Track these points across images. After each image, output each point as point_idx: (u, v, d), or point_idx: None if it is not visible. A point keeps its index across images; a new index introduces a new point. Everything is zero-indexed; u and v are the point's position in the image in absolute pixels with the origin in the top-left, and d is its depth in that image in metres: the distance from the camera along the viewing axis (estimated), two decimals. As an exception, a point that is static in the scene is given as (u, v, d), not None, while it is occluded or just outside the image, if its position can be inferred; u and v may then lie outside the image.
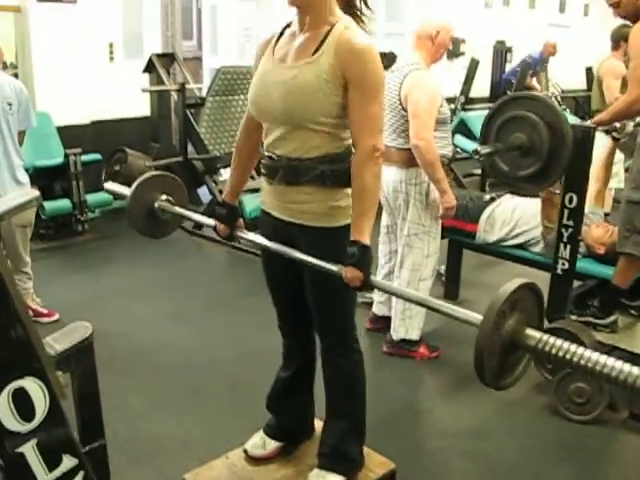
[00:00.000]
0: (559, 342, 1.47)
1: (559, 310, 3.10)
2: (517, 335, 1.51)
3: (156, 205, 2.31)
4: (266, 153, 2.06)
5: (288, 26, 2.06)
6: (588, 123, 3.11)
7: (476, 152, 2.98)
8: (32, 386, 1.31)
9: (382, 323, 3.66)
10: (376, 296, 3.67)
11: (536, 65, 9.32)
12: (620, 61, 5.27)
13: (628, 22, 3.24)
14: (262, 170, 2.12)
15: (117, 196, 2.45)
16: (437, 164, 3.18)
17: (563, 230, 3.00)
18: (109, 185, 2.50)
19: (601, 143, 3.26)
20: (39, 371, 1.32)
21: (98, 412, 1.73)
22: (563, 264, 3.05)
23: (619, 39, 5.30)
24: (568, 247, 3.01)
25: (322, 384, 2.34)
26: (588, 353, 1.43)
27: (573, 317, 3.21)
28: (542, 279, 3.34)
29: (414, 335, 3.46)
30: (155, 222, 2.36)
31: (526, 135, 2.90)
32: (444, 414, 3.04)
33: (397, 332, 3.47)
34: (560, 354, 1.46)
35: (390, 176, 3.32)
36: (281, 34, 2.07)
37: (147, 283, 4.48)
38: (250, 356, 3.45)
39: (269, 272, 2.32)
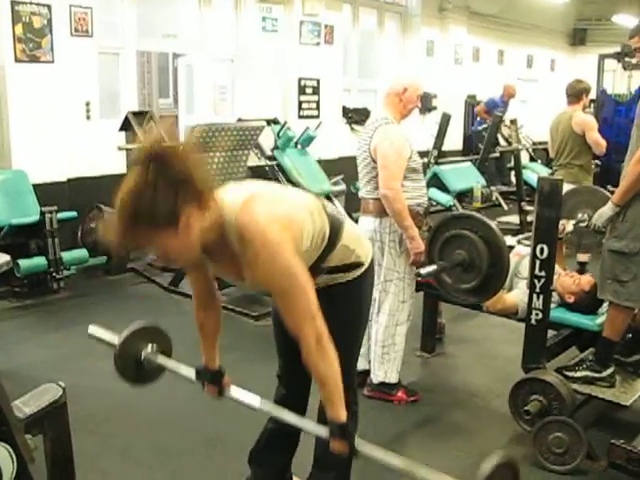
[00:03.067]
0: None
1: (535, 360, 3.12)
2: None
3: (143, 357, 2.33)
4: None
5: None
6: (557, 176, 3.19)
7: (418, 274, 3.17)
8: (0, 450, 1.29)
9: (362, 378, 3.66)
10: None
11: (498, 108, 9.59)
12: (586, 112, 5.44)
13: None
14: None
15: (103, 343, 2.45)
16: (405, 212, 3.30)
17: (535, 281, 3.05)
18: (94, 330, 2.50)
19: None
20: (7, 435, 1.30)
21: (72, 475, 1.70)
22: (537, 314, 3.08)
23: (580, 93, 5.48)
24: (541, 297, 3.05)
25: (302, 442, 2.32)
26: None
27: (569, 373, 3.22)
28: (518, 329, 3.39)
29: (392, 378, 3.53)
30: (141, 370, 2.38)
31: (466, 252, 3.03)
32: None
33: (376, 375, 3.54)
34: None
35: (365, 225, 3.45)
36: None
37: (123, 341, 4.43)
38: (226, 413, 3.40)
39: (277, 324, 2.33)
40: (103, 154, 6.17)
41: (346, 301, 2.20)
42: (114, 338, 2.32)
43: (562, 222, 3.60)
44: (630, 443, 2.76)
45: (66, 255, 5.24)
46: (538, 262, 3.02)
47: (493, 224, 3.05)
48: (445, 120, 8.29)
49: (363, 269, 2.19)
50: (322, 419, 2.25)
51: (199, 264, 1.98)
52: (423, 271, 3.08)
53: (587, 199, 3.51)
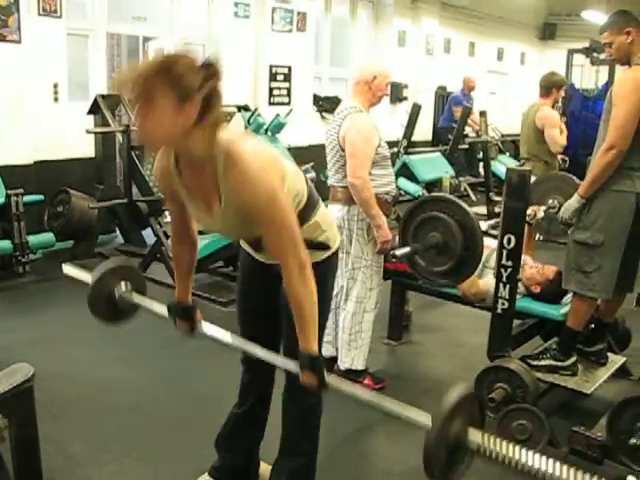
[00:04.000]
0: (498, 442, 1.58)
1: (500, 349, 3.17)
2: (461, 437, 1.66)
3: (117, 295, 2.31)
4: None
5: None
6: (525, 167, 3.22)
7: (393, 256, 3.14)
8: (-32, 430, 1.28)
9: (329, 364, 3.68)
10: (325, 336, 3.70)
11: (462, 102, 9.65)
12: (550, 108, 5.42)
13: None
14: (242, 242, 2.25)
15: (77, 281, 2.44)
16: (372, 201, 3.31)
17: (502, 270, 3.09)
18: (68, 270, 2.48)
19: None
20: (-23, 415, 1.29)
21: (37, 458, 1.69)
22: (503, 304, 3.13)
23: (551, 86, 5.43)
24: (507, 287, 3.10)
25: (269, 427, 2.33)
26: (525, 453, 1.58)
27: (533, 362, 3.28)
28: (483, 318, 3.44)
29: (359, 365, 3.56)
30: (115, 308, 2.37)
31: (440, 234, 3.04)
32: (390, 453, 3.05)
33: (343, 362, 3.57)
34: (502, 454, 1.61)
35: (334, 213, 3.41)
36: (176, 159, 1.96)
37: (90, 326, 4.33)
38: (194, 399, 3.41)
39: (244, 302, 2.35)
40: (71, 137, 6.10)
41: None
42: (88, 277, 2.31)
43: (533, 208, 3.64)
44: (590, 430, 2.82)
45: (32, 239, 5.16)
46: (505, 252, 3.06)
47: (468, 207, 3.05)
48: (415, 110, 8.33)
49: (329, 253, 2.21)
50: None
51: (173, 189, 2.00)
52: (398, 252, 3.08)
53: (557, 185, 3.54)
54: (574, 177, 3.67)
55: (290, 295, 1.94)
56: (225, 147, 1.83)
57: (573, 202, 3.16)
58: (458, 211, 3.05)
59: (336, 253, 2.27)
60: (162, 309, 2.33)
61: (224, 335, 2.15)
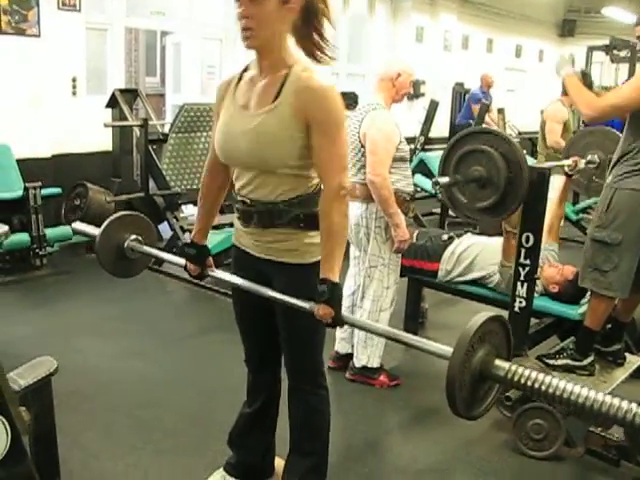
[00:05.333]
0: (527, 372, 1.52)
1: (516, 347, 3.14)
2: (486, 366, 1.57)
3: (125, 244, 2.31)
4: (239, 198, 2.09)
5: (247, 69, 2.09)
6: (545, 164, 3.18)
7: (436, 183, 3.03)
8: (-6, 422, 1.28)
9: (345, 361, 3.69)
10: (338, 332, 3.70)
11: (480, 99, 9.59)
12: (565, 107, 5.40)
13: None
14: (236, 214, 2.15)
15: (85, 236, 2.44)
16: (391, 200, 3.29)
17: (520, 269, 3.07)
18: (77, 225, 2.49)
19: (555, 182, 3.33)
20: (1, 406, 1.29)
21: (54, 451, 1.70)
22: (520, 302, 3.10)
23: None
24: (525, 285, 3.08)
25: (283, 421, 2.33)
26: (555, 381, 1.48)
27: (550, 361, 3.26)
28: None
29: (375, 363, 3.55)
30: (124, 261, 2.36)
31: (483, 168, 2.96)
32: (404, 451, 3.04)
33: (359, 359, 3.56)
34: (529, 383, 1.51)
35: (352, 210, 3.39)
36: (241, 77, 2.09)
37: (105, 319, 4.42)
38: (210, 393, 3.42)
39: (239, 307, 2.32)
40: (89, 131, 6.12)
41: (305, 282, 2.06)
42: (96, 230, 2.31)
43: (574, 159, 3.58)
44: (607, 431, 2.81)
45: (49, 232, 5.19)
46: (524, 250, 3.04)
47: (513, 140, 2.94)
48: (433, 107, 8.29)
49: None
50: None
51: (223, 105, 2.08)
52: (441, 180, 2.99)
53: (599, 140, 3.46)
54: (617, 131, 3.56)
55: (323, 217, 1.96)
56: (305, 66, 1.98)
57: (568, 65, 3.13)
58: (503, 144, 2.93)
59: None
60: (171, 257, 2.34)
61: (232, 278, 2.16)
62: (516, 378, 1.54)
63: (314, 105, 1.91)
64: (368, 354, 3.53)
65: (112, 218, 2.32)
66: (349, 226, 3.41)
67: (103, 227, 2.29)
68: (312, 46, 2.04)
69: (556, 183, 3.14)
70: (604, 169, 3.25)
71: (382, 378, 3.57)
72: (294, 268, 2.07)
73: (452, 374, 1.53)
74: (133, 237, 2.33)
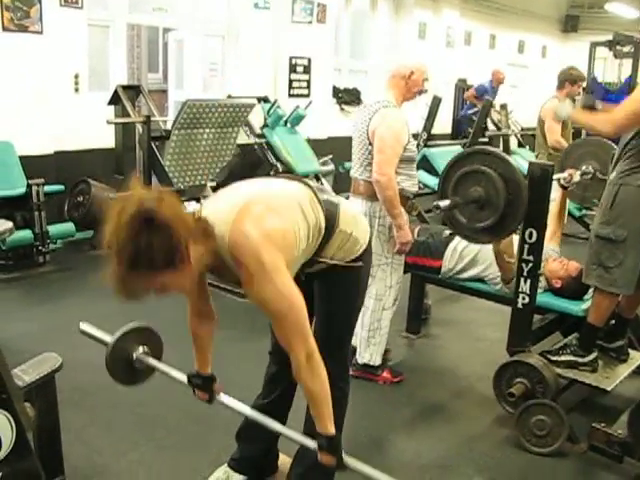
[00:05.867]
0: None
1: (520, 343, 3.15)
2: None
3: (134, 357, 2.33)
4: None
5: None
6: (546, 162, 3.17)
7: (437, 207, 3.04)
8: None
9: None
10: None
11: (488, 94, 9.59)
12: (559, 101, 5.39)
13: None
14: None
15: (96, 341, 2.46)
16: (395, 200, 3.27)
17: (523, 265, 3.07)
18: (86, 327, 2.50)
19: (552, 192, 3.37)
20: (6, 402, 1.29)
21: (58, 447, 1.71)
22: (523, 298, 3.10)
23: (563, 80, 5.43)
24: (528, 281, 3.08)
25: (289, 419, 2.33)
26: None
27: (553, 357, 3.26)
28: (503, 313, 3.42)
29: (377, 361, 3.57)
30: (132, 371, 2.39)
31: (483, 188, 2.96)
32: (408, 447, 3.04)
33: (362, 357, 3.57)
34: None
35: (355, 206, 3.38)
36: None
37: (108, 315, 4.37)
38: (213, 390, 3.42)
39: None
40: (91, 127, 6.11)
41: (345, 283, 2.19)
42: (106, 337, 2.33)
43: (569, 171, 3.59)
44: (610, 427, 2.80)
45: (52, 229, 5.20)
46: (527, 246, 3.03)
47: (512, 160, 2.95)
48: (436, 103, 8.28)
49: (361, 250, 2.18)
50: (291, 474, 2.37)
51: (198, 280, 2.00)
52: (441, 203, 3.00)
53: (593, 150, 3.46)
54: (611, 142, 3.56)
55: (300, 384, 1.96)
56: (228, 243, 1.81)
57: (567, 106, 3.14)
58: (502, 164, 2.95)
59: (369, 247, 2.24)
60: (179, 375, 2.36)
61: (241, 407, 2.19)
62: None
63: (251, 289, 1.84)
64: (370, 352, 3.55)
65: (122, 332, 2.34)
66: None
67: (113, 340, 2.31)
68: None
69: (553, 193, 3.15)
70: (599, 179, 3.26)
71: (385, 374, 3.58)
72: (332, 270, 2.12)
73: None
74: (141, 350, 2.36)
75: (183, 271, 1.69)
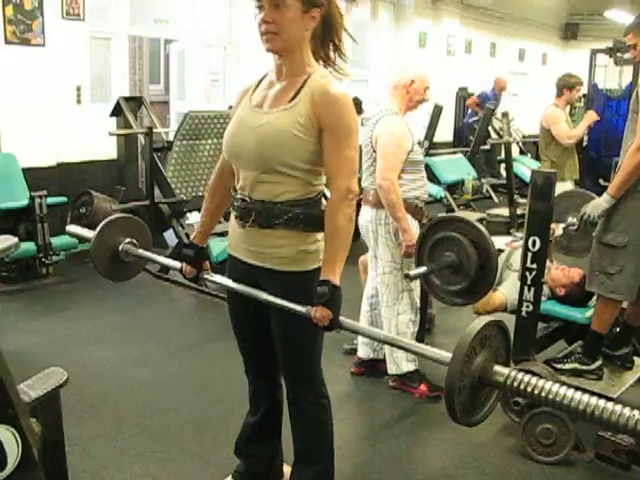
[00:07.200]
0: (527, 377, 1.52)
1: (524, 352, 3.14)
2: (486, 372, 1.56)
3: (120, 248, 2.32)
4: (239, 196, 2.08)
5: (265, 76, 2.14)
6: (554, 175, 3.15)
7: (406, 276, 3.10)
8: (5, 434, 1.27)
9: (367, 366, 3.69)
10: (360, 338, 3.69)
11: (490, 101, 9.60)
12: (561, 108, 5.41)
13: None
14: (234, 213, 2.13)
15: (80, 239, 2.46)
16: (398, 204, 3.29)
17: (527, 273, 3.06)
18: (71, 228, 2.51)
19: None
20: (12, 418, 1.28)
21: (63, 461, 1.69)
22: (527, 306, 3.10)
23: (561, 87, 5.46)
24: (532, 289, 3.07)
25: (289, 428, 2.33)
26: (555, 387, 1.48)
27: (558, 365, 3.24)
28: (507, 321, 3.40)
29: (404, 367, 3.50)
30: (119, 265, 2.37)
31: (455, 254, 3.01)
32: (413, 457, 3.03)
33: (390, 369, 3.55)
34: (528, 389, 1.51)
35: (364, 215, 3.49)
36: (259, 83, 2.14)
37: (112, 327, 4.42)
38: (217, 401, 3.41)
39: (236, 318, 2.32)
40: (93, 139, 6.13)
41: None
42: (91, 233, 2.33)
43: (552, 225, 3.61)
44: (617, 435, 2.79)
45: (55, 240, 5.20)
46: (530, 254, 3.03)
47: (483, 227, 3.04)
48: (437, 111, 8.29)
49: (312, 267, 2.09)
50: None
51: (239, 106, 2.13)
52: (412, 273, 3.07)
53: (577, 202, 3.49)
54: (594, 194, 3.58)
55: (328, 219, 1.97)
56: (323, 73, 2.02)
57: (602, 202, 3.10)
58: (473, 231, 3.03)
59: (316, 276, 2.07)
60: (168, 261, 2.36)
61: (227, 281, 2.17)
62: (515, 384, 1.54)
63: (329, 110, 1.94)
64: (395, 361, 3.50)
65: (106, 221, 2.33)
66: (362, 231, 3.46)
67: (98, 230, 2.30)
68: (327, 56, 2.10)
69: None
70: (584, 230, 3.28)
71: (422, 387, 3.51)
72: (287, 276, 2.06)
73: (451, 381, 1.53)
74: (128, 240, 2.34)
75: (304, 23, 1.96)
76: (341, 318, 1.90)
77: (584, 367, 3.25)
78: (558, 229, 3.53)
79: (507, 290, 3.56)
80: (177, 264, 2.28)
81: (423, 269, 3.07)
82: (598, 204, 3.12)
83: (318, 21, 2.00)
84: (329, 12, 2.02)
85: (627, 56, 3.40)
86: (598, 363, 3.26)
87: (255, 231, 2.06)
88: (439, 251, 3.08)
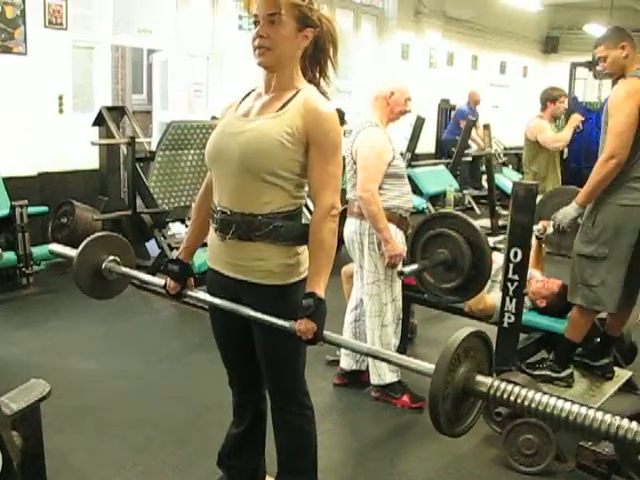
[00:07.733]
0: (509, 387, 1.53)
1: (506, 362, 3.15)
2: (469, 382, 1.57)
3: (103, 266, 2.30)
4: (219, 208, 2.08)
5: (252, 92, 2.15)
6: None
7: (400, 273, 3.10)
8: (-16, 447, 1.26)
9: (350, 378, 3.69)
10: (343, 350, 3.69)
11: (467, 115, 9.69)
12: (545, 120, 5.44)
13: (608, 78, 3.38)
14: (214, 225, 2.12)
15: (63, 257, 2.44)
16: (380, 215, 3.30)
17: (508, 284, 3.08)
18: (54, 247, 2.50)
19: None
20: (-7, 431, 1.27)
21: (43, 473, 1.68)
22: (509, 317, 3.12)
23: (545, 100, 5.49)
24: (514, 300, 3.09)
25: (273, 440, 2.32)
26: (538, 396, 1.50)
27: (530, 370, 3.27)
28: (489, 332, 3.41)
29: (387, 378, 3.50)
30: (102, 283, 2.36)
31: (449, 251, 3.03)
32: (395, 468, 3.02)
33: (373, 380, 3.55)
34: (512, 398, 1.52)
35: (348, 227, 3.50)
36: (246, 97, 2.15)
37: (92, 338, 4.39)
38: (198, 413, 3.39)
39: (218, 330, 2.31)
40: (75, 149, 6.10)
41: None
42: (73, 252, 2.32)
43: (543, 223, 3.64)
44: (597, 445, 2.81)
45: (36, 250, 5.15)
46: (512, 266, 3.05)
47: (477, 224, 3.04)
48: (419, 123, 8.35)
49: (298, 278, 2.10)
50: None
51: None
52: (406, 269, 3.06)
53: (568, 200, 3.53)
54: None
55: (313, 233, 1.99)
56: (312, 90, 2.06)
57: (570, 210, 3.19)
58: (467, 228, 3.04)
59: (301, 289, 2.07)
60: (150, 278, 2.37)
61: (210, 298, 2.16)
62: (498, 393, 1.56)
63: (316, 127, 1.97)
64: (378, 372, 3.50)
65: (89, 239, 2.33)
66: (346, 243, 3.47)
67: (80, 249, 2.29)
68: (313, 76, 2.12)
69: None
70: (574, 228, 3.33)
71: (405, 398, 3.51)
72: (268, 290, 2.05)
73: (435, 392, 1.55)
74: (111, 258, 2.33)
75: (298, 41, 2.01)
76: (325, 332, 1.90)
77: (554, 374, 3.29)
78: (549, 227, 3.56)
79: (496, 299, 3.58)
80: (161, 281, 2.28)
81: (416, 266, 3.06)
82: (567, 212, 3.20)
83: (310, 41, 2.04)
84: (322, 34, 2.06)
85: (599, 69, 3.46)
86: (569, 371, 3.30)
87: (235, 244, 2.05)
88: (432, 248, 3.08)
